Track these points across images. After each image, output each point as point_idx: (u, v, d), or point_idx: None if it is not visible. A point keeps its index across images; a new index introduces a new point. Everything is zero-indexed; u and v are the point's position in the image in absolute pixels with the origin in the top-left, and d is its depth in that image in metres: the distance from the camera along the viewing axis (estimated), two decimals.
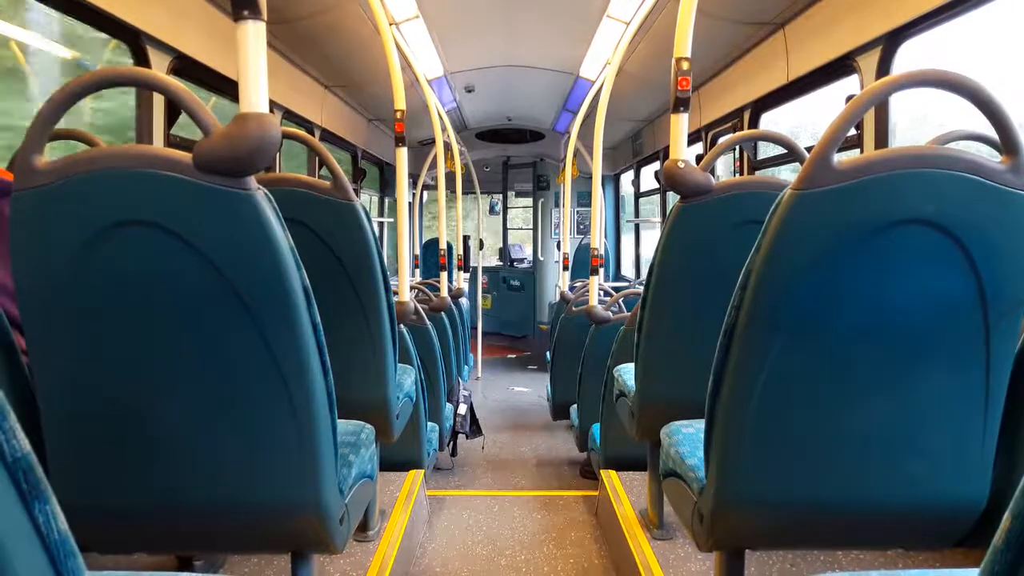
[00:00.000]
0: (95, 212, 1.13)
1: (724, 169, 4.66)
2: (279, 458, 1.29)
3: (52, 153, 1.17)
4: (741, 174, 3.96)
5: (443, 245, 4.53)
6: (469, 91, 5.83)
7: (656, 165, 6.06)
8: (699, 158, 4.32)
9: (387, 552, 2.26)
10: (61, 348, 1.21)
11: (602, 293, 3.99)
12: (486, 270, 9.21)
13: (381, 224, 6.75)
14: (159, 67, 2.59)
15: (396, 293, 2.58)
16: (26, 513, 0.53)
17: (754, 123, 3.82)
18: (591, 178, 3.96)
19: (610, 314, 3.42)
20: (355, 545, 2.30)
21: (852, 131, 2.28)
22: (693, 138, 4.66)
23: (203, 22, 2.88)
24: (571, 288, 5.04)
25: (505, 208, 9.53)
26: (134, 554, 1.56)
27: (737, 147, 3.93)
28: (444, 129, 4.88)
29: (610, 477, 2.92)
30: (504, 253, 9.59)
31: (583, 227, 8.40)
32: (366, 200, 6.46)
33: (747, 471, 1.31)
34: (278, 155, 3.73)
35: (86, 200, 1.13)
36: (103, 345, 1.21)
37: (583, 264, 6.22)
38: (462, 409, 4.13)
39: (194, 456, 1.29)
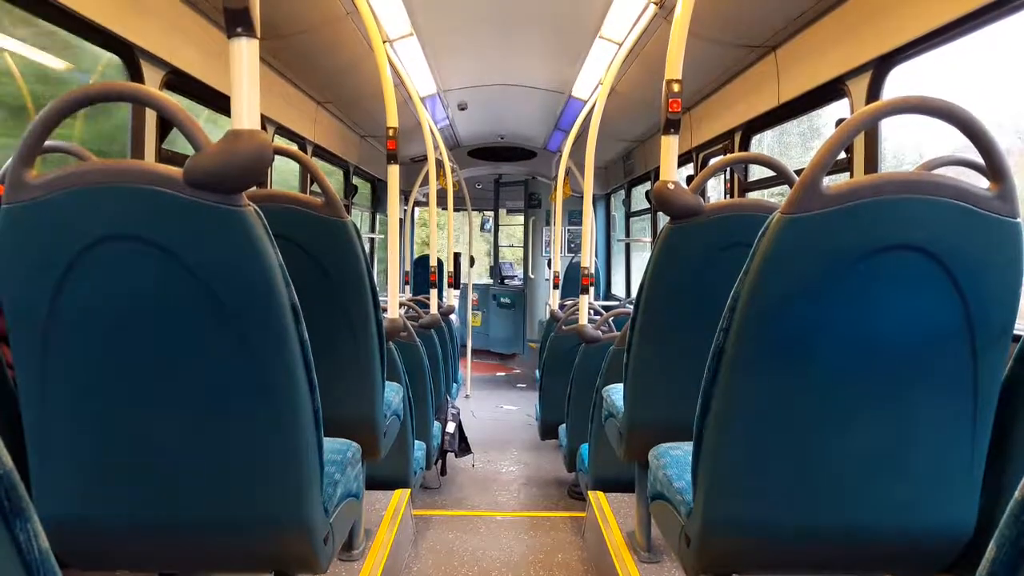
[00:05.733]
0: (84, 226, 1.13)
1: (715, 191, 4.69)
2: (264, 476, 1.27)
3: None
4: (731, 196, 3.99)
5: (434, 262, 4.52)
6: (462, 109, 5.85)
7: (647, 185, 6.09)
8: (690, 179, 4.35)
9: (371, 572, 2.23)
10: (47, 361, 1.19)
11: (592, 312, 3.99)
12: (476, 287, 9.20)
13: (372, 240, 6.74)
14: (152, 81, 2.58)
15: (386, 310, 2.57)
16: (7, 531, 0.52)
17: (745, 145, 3.84)
18: (582, 197, 3.97)
19: (600, 333, 3.41)
20: (339, 564, 2.27)
21: (842, 155, 2.29)
22: (684, 159, 4.68)
23: (197, 37, 2.88)
24: (561, 306, 5.03)
25: (496, 226, 9.55)
26: (116, 571, 1.54)
27: (727, 169, 3.95)
28: (436, 146, 4.89)
29: (598, 498, 2.89)
30: (495, 271, 9.59)
31: (574, 246, 8.42)
32: (357, 216, 6.45)
33: (735, 495, 1.30)
34: (269, 170, 3.73)
35: (76, 214, 1.13)
36: (88, 360, 1.20)
37: (573, 282, 6.22)
38: (450, 427, 4.10)
39: (178, 473, 1.27)
